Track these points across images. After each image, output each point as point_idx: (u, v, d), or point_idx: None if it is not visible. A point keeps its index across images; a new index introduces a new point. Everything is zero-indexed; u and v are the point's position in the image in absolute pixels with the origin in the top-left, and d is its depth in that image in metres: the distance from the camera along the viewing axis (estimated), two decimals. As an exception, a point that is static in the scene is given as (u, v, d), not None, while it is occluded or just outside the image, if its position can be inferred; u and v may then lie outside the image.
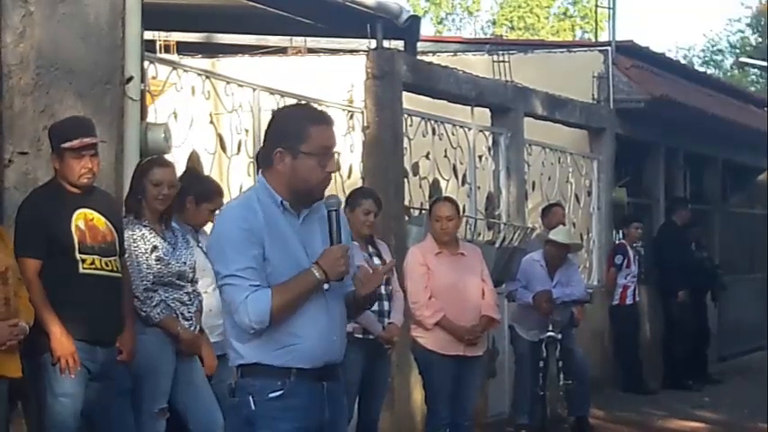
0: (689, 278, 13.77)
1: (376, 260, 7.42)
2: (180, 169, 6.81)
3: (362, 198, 7.48)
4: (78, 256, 5.57)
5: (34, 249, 5.53)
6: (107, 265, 5.67)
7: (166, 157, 6.58)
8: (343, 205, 7.52)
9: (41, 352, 5.49)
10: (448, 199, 8.36)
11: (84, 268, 5.58)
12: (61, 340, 5.47)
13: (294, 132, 4.16)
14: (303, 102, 8.16)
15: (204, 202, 6.58)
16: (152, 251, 6.06)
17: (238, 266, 4.07)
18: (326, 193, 4.34)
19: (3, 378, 5.29)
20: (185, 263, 6.19)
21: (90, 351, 5.60)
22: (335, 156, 4.33)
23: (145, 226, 6.09)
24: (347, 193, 7.98)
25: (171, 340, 6.09)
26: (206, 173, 8.01)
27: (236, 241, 4.09)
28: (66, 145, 5.59)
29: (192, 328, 6.18)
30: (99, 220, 5.69)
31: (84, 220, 5.63)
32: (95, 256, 5.62)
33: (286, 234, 4.17)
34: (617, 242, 13.56)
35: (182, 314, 6.15)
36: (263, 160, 4.31)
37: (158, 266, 6.07)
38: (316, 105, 8.37)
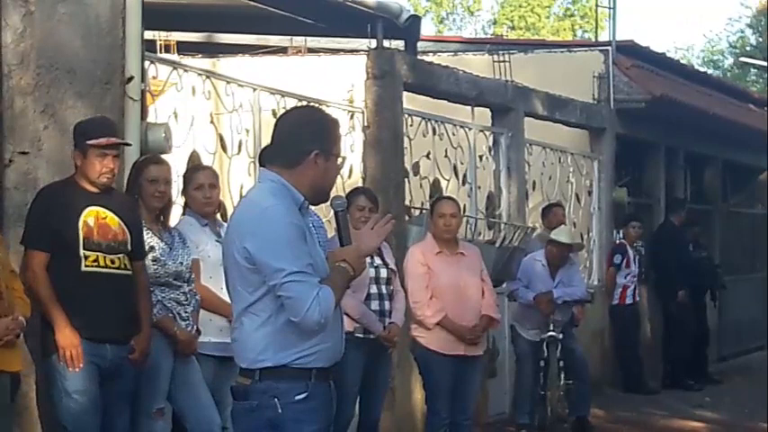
0: (687, 278, 13.78)
1: (377, 260, 7.44)
2: (175, 168, 6.79)
3: (355, 196, 7.52)
4: (82, 252, 5.57)
5: (41, 242, 5.56)
6: (113, 263, 5.67)
7: (164, 156, 6.58)
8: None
9: (52, 352, 5.52)
10: (449, 197, 8.37)
11: (86, 265, 5.59)
12: (65, 333, 5.49)
13: (328, 135, 4.24)
14: (296, 100, 8.18)
15: (188, 185, 6.58)
16: (149, 252, 6.06)
17: (304, 262, 4.04)
18: (339, 196, 4.40)
19: (3, 372, 5.29)
20: (182, 263, 6.20)
21: (98, 349, 5.61)
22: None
23: (142, 226, 6.08)
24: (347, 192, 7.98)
25: (168, 340, 6.09)
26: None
27: (294, 238, 4.06)
28: (93, 142, 5.62)
29: (189, 328, 6.19)
30: (112, 220, 5.70)
31: (96, 217, 5.64)
32: (100, 254, 5.62)
33: (309, 233, 4.21)
34: (617, 242, 13.56)
35: (179, 314, 6.16)
36: (284, 159, 4.23)
37: (155, 267, 6.07)
38: (315, 105, 8.42)
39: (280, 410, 4.10)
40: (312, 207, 4.47)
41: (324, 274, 4.16)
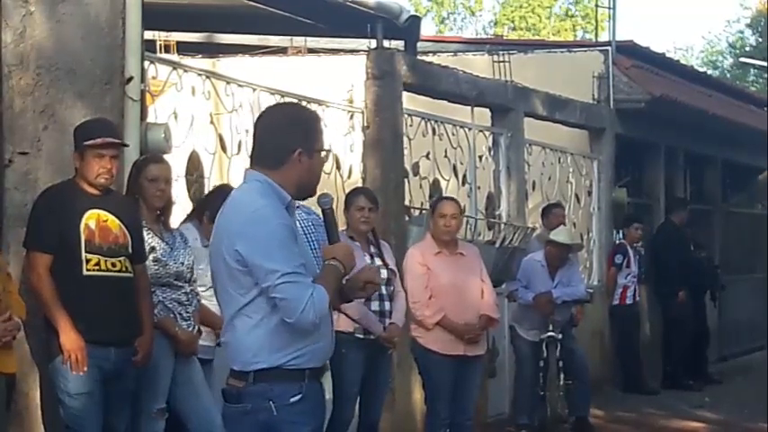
0: (687, 278, 13.77)
1: (377, 260, 7.44)
2: (175, 168, 6.78)
3: (355, 196, 7.54)
4: (84, 255, 5.57)
5: (44, 243, 5.56)
6: (114, 266, 5.67)
7: (164, 156, 6.57)
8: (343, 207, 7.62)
9: (56, 355, 5.52)
10: (451, 198, 8.36)
11: (88, 269, 5.59)
12: (70, 336, 5.49)
13: (310, 132, 4.19)
14: (296, 100, 8.17)
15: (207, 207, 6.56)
16: (149, 252, 6.06)
17: (296, 263, 4.00)
18: (325, 193, 4.36)
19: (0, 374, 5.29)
20: (183, 263, 6.20)
21: (102, 352, 5.61)
22: None
23: (143, 227, 6.08)
24: (347, 193, 7.98)
25: (169, 341, 6.10)
26: (206, 173, 8.02)
27: (285, 238, 4.02)
28: (89, 142, 5.64)
29: (191, 329, 6.19)
30: (113, 223, 5.70)
31: (97, 220, 5.64)
32: (101, 257, 5.62)
33: (297, 232, 4.18)
34: (617, 242, 13.55)
35: (180, 314, 6.17)
36: (268, 160, 4.17)
37: (156, 267, 6.07)
38: (316, 105, 8.42)
39: (275, 413, 4.06)
40: (304, 203, 4.43)
41: (314, 272, 4.12)
